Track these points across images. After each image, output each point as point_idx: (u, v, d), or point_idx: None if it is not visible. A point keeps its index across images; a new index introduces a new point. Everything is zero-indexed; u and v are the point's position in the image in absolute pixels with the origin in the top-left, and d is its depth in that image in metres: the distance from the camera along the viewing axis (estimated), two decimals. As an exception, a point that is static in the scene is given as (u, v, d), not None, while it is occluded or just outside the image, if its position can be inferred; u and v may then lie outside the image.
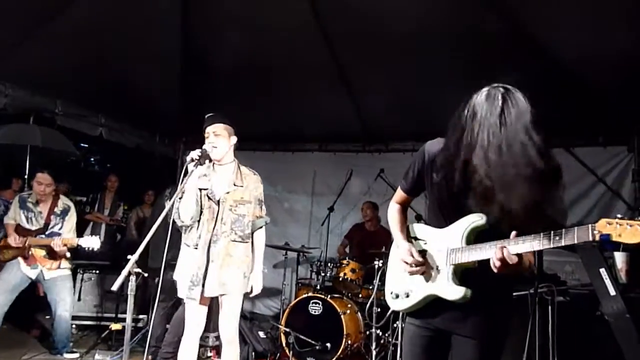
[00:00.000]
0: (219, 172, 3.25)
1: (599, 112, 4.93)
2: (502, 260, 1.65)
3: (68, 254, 4.59)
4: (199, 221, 3.14)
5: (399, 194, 2.20)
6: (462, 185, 1.75)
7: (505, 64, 4.14)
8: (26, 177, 5.25)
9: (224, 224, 3.15)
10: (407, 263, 1.96)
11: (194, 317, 3.16)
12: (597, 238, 1.38)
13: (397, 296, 2.07)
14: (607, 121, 5.17)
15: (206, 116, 3.26)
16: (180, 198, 3.01)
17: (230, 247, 3.15)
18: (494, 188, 1.64)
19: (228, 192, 3.20)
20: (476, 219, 1.83)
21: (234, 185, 3.23)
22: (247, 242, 3.24)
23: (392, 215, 2.21)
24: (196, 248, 3.12)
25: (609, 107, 4.81)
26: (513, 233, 1.64)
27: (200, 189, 3.16)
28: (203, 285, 3.07)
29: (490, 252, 1.71)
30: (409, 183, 2.11)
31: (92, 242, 4.29)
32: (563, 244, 1.47)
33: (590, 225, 1.40)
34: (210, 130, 3.19)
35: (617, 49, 4.09)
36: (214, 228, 3.13)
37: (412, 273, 1.97)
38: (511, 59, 4.21)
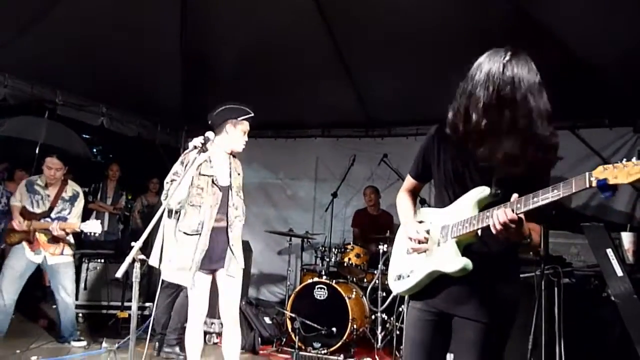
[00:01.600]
0: (221, 159, 3.27)
1: (604, 93, 4.86)
2: (503, 220, 1.56)
3: (72, 240, 4.60)
4: (200, 207, 3.12)
5: (408, 180, 2.18)
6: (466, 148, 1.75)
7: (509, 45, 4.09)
8: (33, 169, 5.22)
9: (236, 209, 3.22)
10: (411, 239, 1.91)
11: (198, 303, 3.18)
12: (594, 184, 1.34)
13: (400, 277, 2.02)
14: (613, 102, 5.10)
15: (242, 107, 3.26)
16: (171, 181, 3.03)
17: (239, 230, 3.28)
18: (488, 131, 1.67)
19: (233, 178, 3.26)
20: (480, 191, 1.78)
21: (237, 172, 3.30)
22: None
23: (401, 203, 2.18)
24: (197, 234, 3.09)
25: (615, 87, 4.74)
26: (514, 195, 1.58)
27: (205, 175, 3.16)
28: (199, 268, 3.09)
29: (490, 219, 1.62)
30: (417, 168, 2.10)
31: (93, 226, 4.29)
32: (562, 195, 1.41)
33: (587, 173, 1.36)
34: (247, 128, 3.27)
35: (622, 29, 4.03)
36: (223, 214, 3.17)
37: (416, 250, 1.91)
38: (514, 40, 4.14)
